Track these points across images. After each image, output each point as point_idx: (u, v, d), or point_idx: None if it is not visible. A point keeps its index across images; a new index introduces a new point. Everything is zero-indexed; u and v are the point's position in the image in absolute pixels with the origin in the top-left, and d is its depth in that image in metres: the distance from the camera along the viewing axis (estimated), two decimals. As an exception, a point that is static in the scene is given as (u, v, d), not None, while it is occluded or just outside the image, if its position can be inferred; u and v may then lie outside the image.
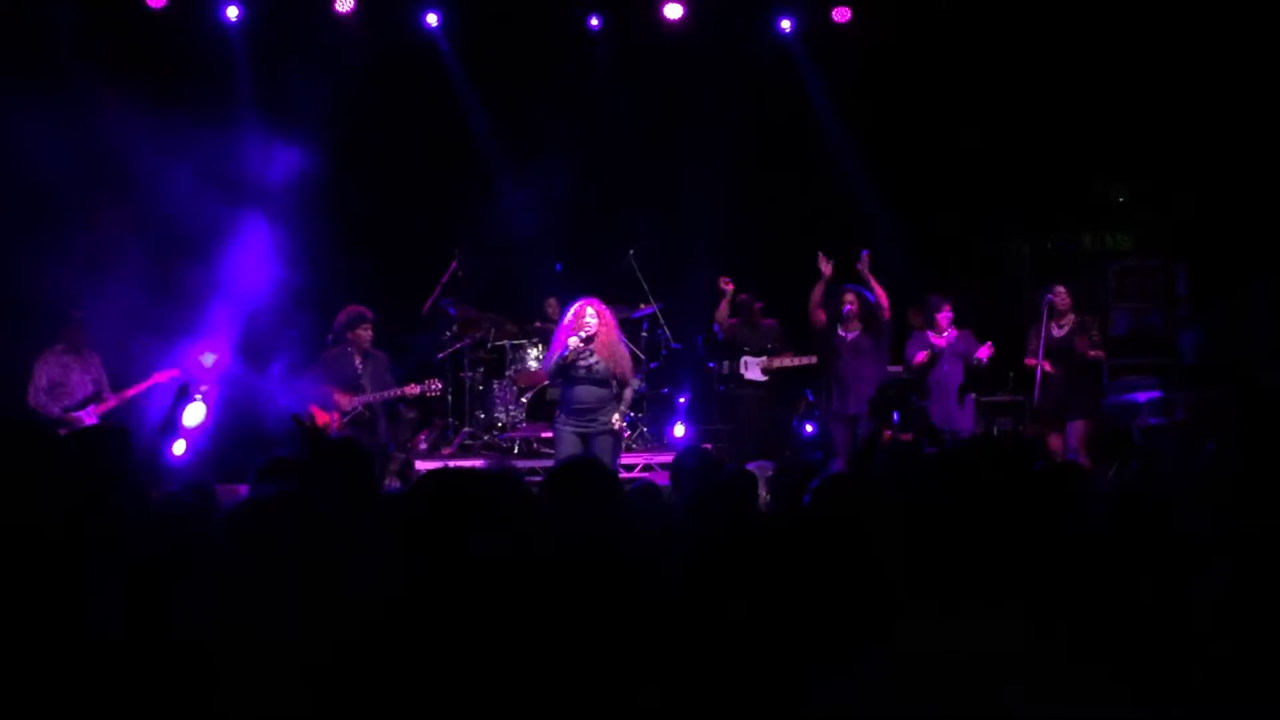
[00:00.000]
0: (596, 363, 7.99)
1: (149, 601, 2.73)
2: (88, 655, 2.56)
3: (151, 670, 2.46)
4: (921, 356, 9.29)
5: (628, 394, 8.20)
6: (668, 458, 10.66)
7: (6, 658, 2.49)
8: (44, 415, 8.68)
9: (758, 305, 10.61)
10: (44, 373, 8.88)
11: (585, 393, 8.02)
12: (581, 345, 7.92)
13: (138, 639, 2.60)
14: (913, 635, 1.82)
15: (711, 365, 10.41)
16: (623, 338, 8.36)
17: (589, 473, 3.15)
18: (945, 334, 9.35)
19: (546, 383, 8.54)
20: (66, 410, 8.83)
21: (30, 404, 8.79)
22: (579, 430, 8.03)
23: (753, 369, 10.17)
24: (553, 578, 2.40)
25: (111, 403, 9.04)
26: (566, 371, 8.00)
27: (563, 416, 8.11)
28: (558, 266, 11.95)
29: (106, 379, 9.15)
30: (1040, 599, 1.90)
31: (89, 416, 8.89)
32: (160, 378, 9.35)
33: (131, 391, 9.16)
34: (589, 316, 8.00)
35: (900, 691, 1.75)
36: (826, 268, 9.50)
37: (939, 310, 9.36)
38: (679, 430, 11.27)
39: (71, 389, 8.94)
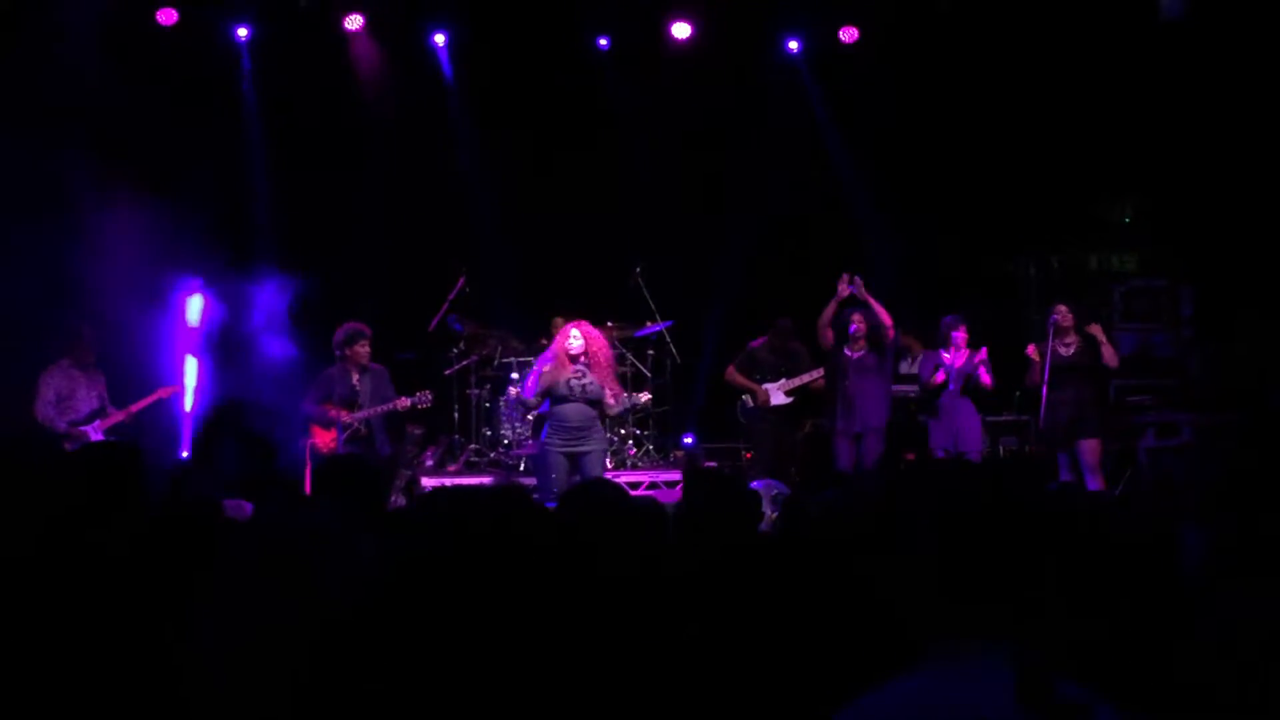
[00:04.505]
0: (590, 383, 8.06)
1: (149, 604, 2.78)
2: (90, 655, 2.61)
3: (150, 670, 2.49)
4: (940, 377, 9.29)
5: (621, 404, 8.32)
6: (672, 475, 10.67)
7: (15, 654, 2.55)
8: (50, 429, 8.77)
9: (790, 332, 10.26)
10: (50, 386, 8.98)
11: (574, 412, 8.11)
12: (557, 370, 8.04)
13: (138, 640, 2.65)
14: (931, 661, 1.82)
15: (745, 399, 10.20)
16: (611, 359, 8.44)
17: (609, 492, 3.18)
18: (960, 354, 9.34)
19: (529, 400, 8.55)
20: (72, 424, 8.93)
21: (38, 417, 8.88)
22: (567, 450, 8.08)
23: (776, 395, 10.05)
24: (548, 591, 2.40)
25: (116, 418, 9.16)
26: (555, 391, 8.09)
27: (551, 438, 8.15)
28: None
29: (109, 396, 9.27)
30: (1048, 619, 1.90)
31: (94, 431, 8.99)
32: (163, 393, 9.56)
33: (135, 407, 9.31)
34: (573, 338, 8.12)
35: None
36: (845, 289, 9.43)
37: (955, 330, 9.35)
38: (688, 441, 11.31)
39: (77, 404, 9.06)
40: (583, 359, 8.19)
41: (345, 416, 8.79)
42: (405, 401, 9.04)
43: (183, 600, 2.52)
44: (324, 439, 8.77)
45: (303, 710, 2.08)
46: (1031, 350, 9.12)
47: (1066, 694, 1.66)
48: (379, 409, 8.98)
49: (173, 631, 2.52)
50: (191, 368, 10.15)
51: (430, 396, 9.37)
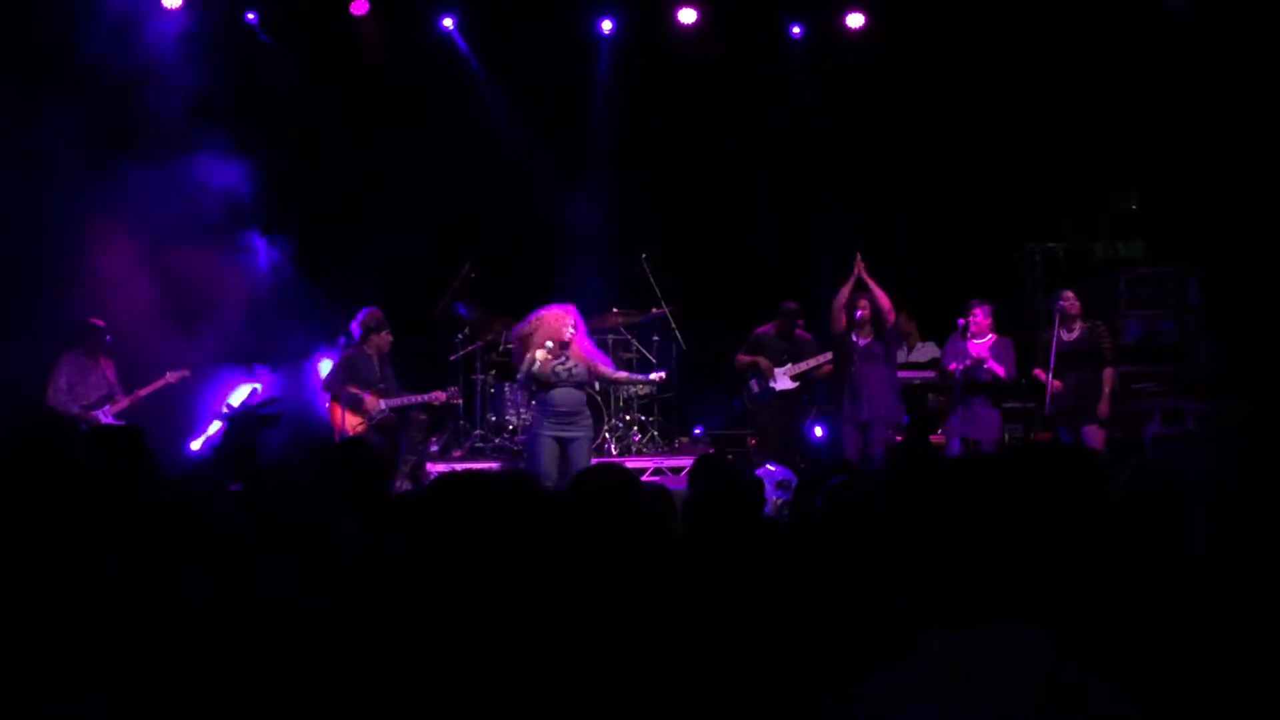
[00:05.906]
0: (575, 367, 8.04)
1: (154, 563, 2.82)
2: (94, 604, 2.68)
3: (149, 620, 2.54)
4: (956, 365, 9.23)
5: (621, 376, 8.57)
6: (677, 461, 10.68)
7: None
8: (64, 413, 9.07)
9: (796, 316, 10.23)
10: (63, 374, 9.31)
11: (564, 397, 8.09)
12: (553, 353, 7.99)
13: (141, 593, 2.69)
14: (934, 647, 1.83)
15: (753, 383, 10.11)
16: (590, 340, 8.40)
17: (610, 479, 3.19)
18: (983, 340, 9.28)
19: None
20: (85, 409, 9.21)
21: (50, 403, 9.18)
22: (557, 435, 8.06)
23: (782, 380, 9.99)
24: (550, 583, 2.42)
25: (124, 403, 9.43)
26: (544, 377, 8.05)
27: (541, 422, 8.13)
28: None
29: (118, 382, 9.52)
30: (1060, 608, 1.91)
31: (104, 415, 9.27)
32: (171, 378, 9.68)
33: (143, 392, 9.53)
34: (570, 326, 8.08)
35: (919, 706, 1.76)
36: (861, 269, 9.33)
37: (979, 316, 9.28)
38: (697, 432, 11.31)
39: (88, 390, 9.35)
40: (568, 347, 8.14)
41: (382, 404, 8.79)
42: (440, 395, 9.03)
43: (174, 572, 2.56)
44: (350, 422, 8.75)
45: (283, 686, 2.10)
46: (1039, 373, 9.14)
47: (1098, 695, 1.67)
48: (415, 399, 8.97)
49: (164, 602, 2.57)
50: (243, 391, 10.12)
51: (458, 392, 9.44)
